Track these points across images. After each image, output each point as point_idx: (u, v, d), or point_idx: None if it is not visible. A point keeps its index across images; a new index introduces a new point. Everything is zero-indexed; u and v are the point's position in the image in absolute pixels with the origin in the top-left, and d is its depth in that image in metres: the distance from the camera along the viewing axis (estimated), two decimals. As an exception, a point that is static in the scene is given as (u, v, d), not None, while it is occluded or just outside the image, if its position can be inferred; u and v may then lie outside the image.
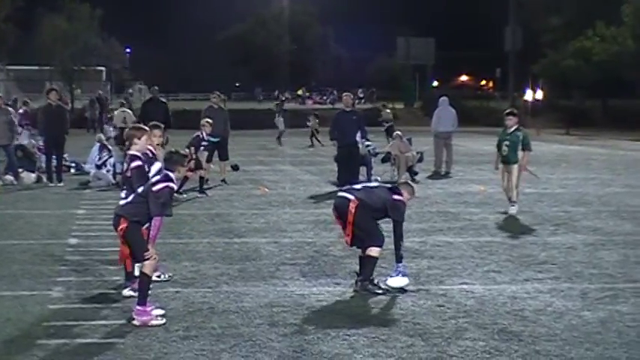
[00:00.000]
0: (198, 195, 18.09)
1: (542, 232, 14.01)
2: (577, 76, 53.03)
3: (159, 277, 9.75)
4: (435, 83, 78.37)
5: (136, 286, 9.05)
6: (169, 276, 10.24)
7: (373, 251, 9.63)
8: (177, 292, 9.65)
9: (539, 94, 55.09)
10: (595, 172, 24.23)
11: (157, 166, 10.12)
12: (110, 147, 21.63)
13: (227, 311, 8.86)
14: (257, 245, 12.59)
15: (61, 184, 19.94)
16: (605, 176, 23.08)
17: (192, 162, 16.22)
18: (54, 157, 20.29)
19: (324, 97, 79.20)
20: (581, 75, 52.80)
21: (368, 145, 21.16)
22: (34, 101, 33.58)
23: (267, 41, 59.87)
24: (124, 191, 9.70)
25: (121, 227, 8.51)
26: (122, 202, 9.19)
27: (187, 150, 17.31)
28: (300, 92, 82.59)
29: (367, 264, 9.68)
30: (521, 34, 63.18)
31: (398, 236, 9.78)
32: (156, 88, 21.71)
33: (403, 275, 9.83)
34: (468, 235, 13.65)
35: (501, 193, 18.23)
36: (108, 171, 20.47)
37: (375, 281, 9.72)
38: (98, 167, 20.61)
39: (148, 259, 8.39)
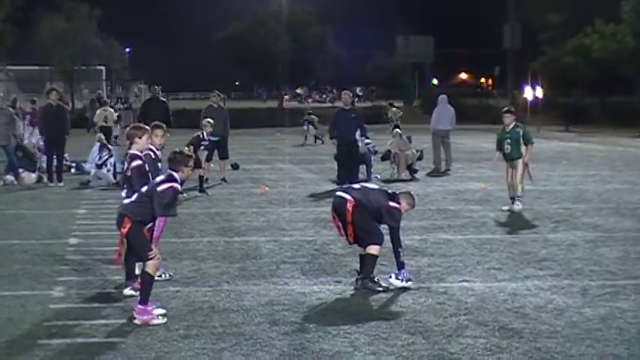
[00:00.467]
0: (199, 194, 18.09)
1: (543, 229, 14.02)
2: (576, 73, 53.03)
3: (160, 276, 9.75)
4: (435, 81, 78.39)
5: (136, 285, 9.06)
6: (170, 275, 10.25)
7: (373, 249, 9.63)
8: (177, 291, 9.66)
9: (539, 92, 55.06)
10: (595, 169, 24.24)
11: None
12: (110, 147, 21.63)
13: (228, 310, 8.87)
14: (257, 244, 12.60)
15: (62, 184, 19.95)
16: (605, 173, 23.10)
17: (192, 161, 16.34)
18: (54, 157, 20.29)
19: (324, 96, 79.25)
20: (580, 72, 52.80)
21: (367, 144, 21.17)
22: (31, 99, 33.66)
23: (265, 40, 59.78)
24: (125, 190, 9.71)
25: (124, 227, 8.50)
26: (126, 201, 9.17)
27: (187, 148, 17.33)
28: (299, 91, 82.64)
29: (367, 262, 9.69)
30: (520, 31, 63.21)
31: (396, 244, 9.72)
32: (155, 87, 21.72)
33: (407, 281, 9.82)
34: (469, 232, 13.66)
35: (502, 190, 18.24)
36: (108, 170, 20.48)
37: (376, 279, 9.73)
38: (98, 167, 20.61)
39: (151, 258, 8.39)
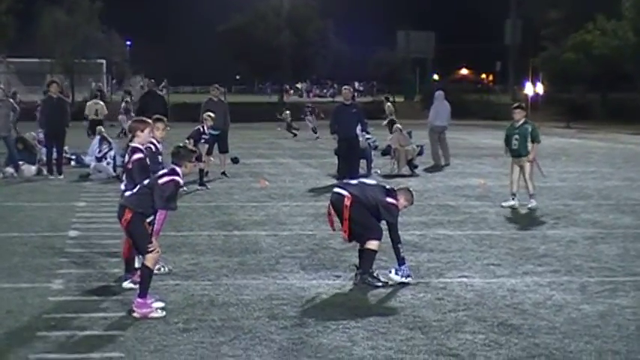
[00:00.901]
0: (199, 188, 18.09)
1: (542, 225, 14.03)
2: (577, 69, 52.98)
3: (159, 269, 9.75)
4: (435, 77, 78.35)
5: (136, 278, 9.07)
6: (169, 269, 10.25)
7: (372, 244, 9.64)
8: (177, 284, 9.67)
9: (540, 88, 55.04)
10: (595, 166, 24.24)
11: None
12: (111, 140, 21.62)
13: (227, 304, 8.88)
14: (257, 238, 12.60)
15: (62, 177, 19.95)
16: (605, 169, 23.09)
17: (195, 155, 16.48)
18: (54, 149, 20.29)
19: (325, 91, 79.20)
20: (581, 68, 52.75)
21: (368, 138, 21.16)
22: (34, 94, 33.64)
23: (267, 34, 59.69)
24: (124, 183, 9.71)
25: (125, 218, 8.49)
26: (127, 193, 9.16)
27: (187, 142, 17.33)
28: (299, 86, 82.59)
29: (366, 257, 9.70)
30: (522, 27, 63.19)
31: (395, 239, 9.72)
32: (152, 80, 21.89)
33: (407, 277, 9.82)
34: (468, 228, 13.66)
35: (501, 186, 18.26)
36: (108, 163, 20.48)
37: (375, 274, 9.73)
38: (98, 160, 20.62)
39: (150, 251, 8.39)
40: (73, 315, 8.42)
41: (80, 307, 8.70)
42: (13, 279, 9.90)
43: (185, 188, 17.57)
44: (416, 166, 22.09)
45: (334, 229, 9.96)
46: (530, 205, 15.61)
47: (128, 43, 70.35)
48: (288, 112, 39.63)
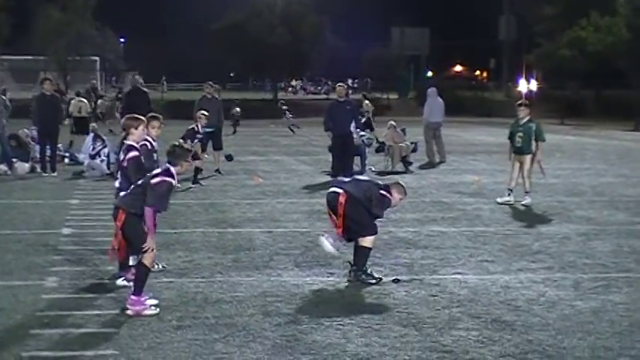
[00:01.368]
0: (192, 185, 18.07)
1: (536, 222, 14.04)
2: (571, 66, 53.03)
3: (152, 267, 9.73)
4: (430, 74, 78.36)
5: (129, 275, 9.06)
6: (163, 266, 10.24)
7: (366, 241, 9.64)
8: (170, 282, 9.66)
9: (533, 85, 55.08)
10: (589, 162, 24.28)
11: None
12: (104, 137, 21.57)
13: (221, 301, 8.87)
14: (251, 235, 12.60)
15: (55, 174, 19.91)
16: (599, 166, 23.14)
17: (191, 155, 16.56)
18: (47, 147, 20.24)
19: (319, 88, 79.15)
20: (575, 65, 52.80)
21: (362, 135, 21.16)
22: (27, 91, 33.58)
23: (261, 31, 59.60)
24: (118, 180, 9.70)
25: (119, 219, 8.47)
26: (122, 193, 9.14)
27: (181, 141, 17.29)
28: (294, 83, 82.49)
29: (360, 254, 9.70)
30: (516, 24, 63.23)
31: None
32: (136, 77, 21.92)
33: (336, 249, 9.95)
34: (462, 225, 13.67)
35: (495, 183, 18.31)
36: (102, 161, 20.44)
37: (369, 271, 9.73)
38: (92, 157, 20.57)
39: (146, 251, 8.36)
40: (67, 312, 8.40)
41: (74, 305, 8.68)
42: (6, 277, 9.88)
43: (179, 185, 17.54)
44: (410, 163, 22.10)
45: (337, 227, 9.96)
46: (524, 202, 15.62)
47: (122, 40, 70.24)
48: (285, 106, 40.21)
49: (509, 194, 15.85)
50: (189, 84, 74.24)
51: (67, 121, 30.95)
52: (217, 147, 20.87)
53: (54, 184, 18.59)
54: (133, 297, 8.36)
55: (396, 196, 9.90)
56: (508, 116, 51.36)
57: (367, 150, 21.61)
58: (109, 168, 19.65)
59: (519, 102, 16.72)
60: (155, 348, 7.39)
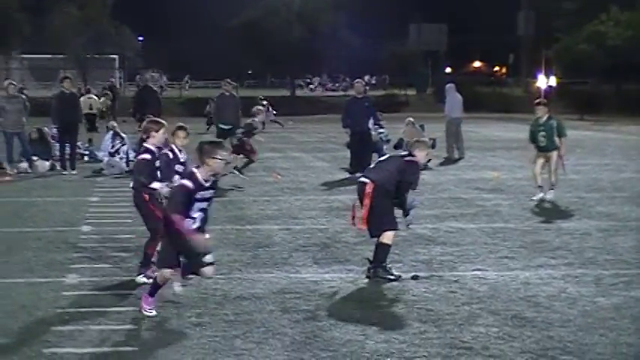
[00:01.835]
0: (237, 173, 18.23)
1: (556, 218, 13.97)
2: (591, 60, 52.71)
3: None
4: (448, 70, 78.09)
5: (150, 273, 9.09)
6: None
7: (385, 237, 9.62)
8: (189, 278, 9.65)
9: (552, 80, 54.77)
10: (609, 158, 24.13)
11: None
12: (124, 135, 21.64)
13: (240, 298, 8.88)
14: (269, 232, 12.60)
15: (75, 172, 20.00)
16: (619, 162, 22.98)
17: (248, 147, 18.37)
18: (67, 144, 20.34)
19: (337, 84, 79.04)
20: (595, 60, 52.47)
21: (380, 132, 21.11)
22: (46, 89, 33.77)
23: (278, 28, 59.60)
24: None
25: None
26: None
27: (243, 139, 18.34)
28: (312, 80, 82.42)
29: (380, 251, 9.68)
30: (535, 18, 62.89)
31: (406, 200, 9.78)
32: (146, 76, 22.34)
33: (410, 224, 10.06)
34: (481, 221, 13.62)
35: (514, 179, 18.24)
36: (121, 158, 20.51)
37: (388, 267, 9.71)
38: (111, 155, 20.65)
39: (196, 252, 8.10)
40: (87, 309, 8.44)
41: (94, 302, 8.72)
42: (27, 274, 9.94)
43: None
44: (429, 160, 21.99)
45: (353, 224, 9.94)
46: (548, 197, 15.55)
47: (140, 38, 70.41)
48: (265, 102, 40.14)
49: (540, 191, 15.75)
50: (207, 81, 74.29)
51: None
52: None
53: (73, 182, 18.68)
54: (146, 295, 8.32)
55: (420, 154, 9.87)
56: (527, 112, 51.05)
57: (385, 147, 21.56)
58: (128, 165, 19.71)
59: (537, 101, 16.63)
60: (175, 344, 7.41)
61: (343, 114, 20.04)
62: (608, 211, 14.57)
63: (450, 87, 25.48)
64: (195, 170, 8.06)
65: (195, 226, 8.02)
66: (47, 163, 20.61)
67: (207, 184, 8.06)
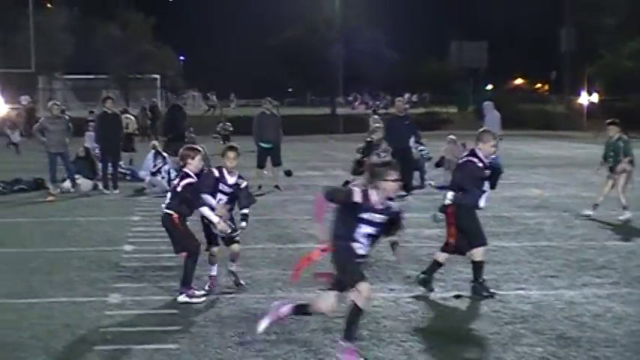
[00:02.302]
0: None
1: (600, 236, 13.79)
2: (634, 77, 52.14)
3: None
4: (489, 87, 77.73)
5: (190, 292, 9.16)
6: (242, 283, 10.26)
7: (477, 255, 9.73)
8: (231, 297, 9.68)
9: (595, 97, 54.27)
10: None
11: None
12: (165, 154, 21.79)
13: (281, 317, 8.84)
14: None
15: (117, 191, 20.16)
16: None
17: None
18: (110, 164, 20.54)
19: (377, 102, 79.09)
20: (638, 76, 51.90)
21: (421, 150, 21.04)
22: (89, 109, 34.12)
23: (319, 46, 59.89)
24: (167, 200, 9.88)
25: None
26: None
27: (359, 155, 18.64)
28: (351, 98, 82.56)
29: (474, 268, 9.81)
30: (577, 35, 62.40)
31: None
32: (175, 96, 23.21)
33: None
34: (524, 239, 13.48)
35: (558, 197, 18.05)
36: (162, 178, 20.63)
37: (483, 283, 9.74)
38: (153, 174, 20.80)
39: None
40: (130, 329, 8.47)
41: (136, 321, 8.75)
42: (70, 293, 10.01)
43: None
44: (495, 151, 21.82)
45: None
46: (622, 217, 15.37)
47: (182, 58, 71.10)
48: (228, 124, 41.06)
49: (594, 208, 15.61)
50: (247, 99, 74.74)
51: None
52: (276, 163, 20.94)
53: (115, 201, 18.83)
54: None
55: (486, 146, 9.75)
56: (569, 129, 50.59)
57: (426, 164, 21.46)
58: (169, 185, 19.80)
59: (608, 121, 16.66)
60: (216, 364, 7.40)
61: (385, 132, 19.76)
62: (653, 229, 14.35)
63: (487, 104, 25.37)
64: (371, 191, 7.74)
65: (361, 252, 7.76)
66: (90, 183, 20.81)
67: (380, 208, 7.68)
